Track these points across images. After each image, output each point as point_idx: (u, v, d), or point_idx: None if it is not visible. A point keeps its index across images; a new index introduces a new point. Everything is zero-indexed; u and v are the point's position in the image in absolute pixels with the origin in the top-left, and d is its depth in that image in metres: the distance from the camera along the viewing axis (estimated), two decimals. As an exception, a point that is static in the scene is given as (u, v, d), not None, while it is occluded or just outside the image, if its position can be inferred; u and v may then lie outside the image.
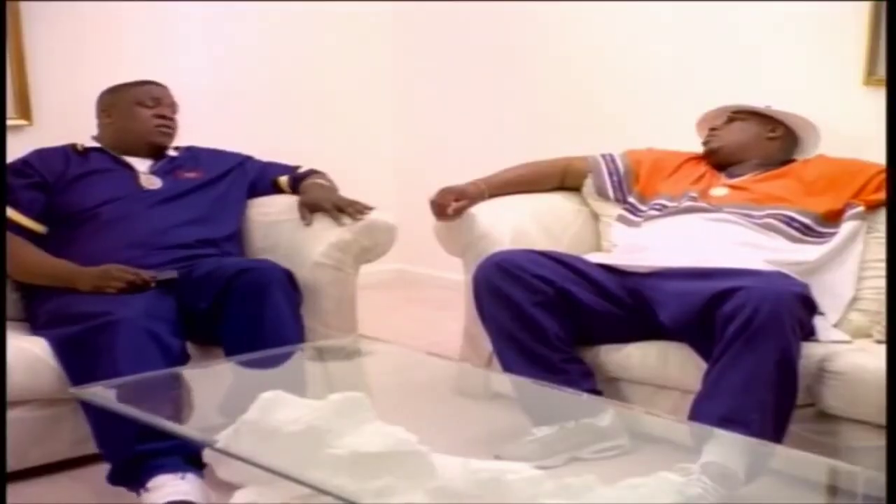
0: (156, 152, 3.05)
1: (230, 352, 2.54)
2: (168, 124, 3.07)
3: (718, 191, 2.94)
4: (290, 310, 2.64)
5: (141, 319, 2.42)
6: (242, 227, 3.11)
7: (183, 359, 2.53)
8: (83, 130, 3.06)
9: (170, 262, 2.75)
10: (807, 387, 2.42)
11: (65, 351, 2.48)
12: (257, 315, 2.56)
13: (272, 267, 2.70)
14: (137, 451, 2.27)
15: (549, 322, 2.68)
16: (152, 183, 2.97)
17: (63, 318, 2.54)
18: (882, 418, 2.14)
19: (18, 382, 2.44)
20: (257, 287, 2.59)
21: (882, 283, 2.67)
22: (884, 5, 3.06)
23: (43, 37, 3.61)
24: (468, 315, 3.06)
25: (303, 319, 2.71)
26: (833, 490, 1.98)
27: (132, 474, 2.30)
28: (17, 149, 2.95)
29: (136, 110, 3.04)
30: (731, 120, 3.07)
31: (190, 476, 2.28)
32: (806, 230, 2.78)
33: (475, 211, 3.04)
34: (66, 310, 2.56)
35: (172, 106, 3.11)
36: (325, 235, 2.93)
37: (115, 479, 2.35)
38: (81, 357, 2.43)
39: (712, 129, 3.10)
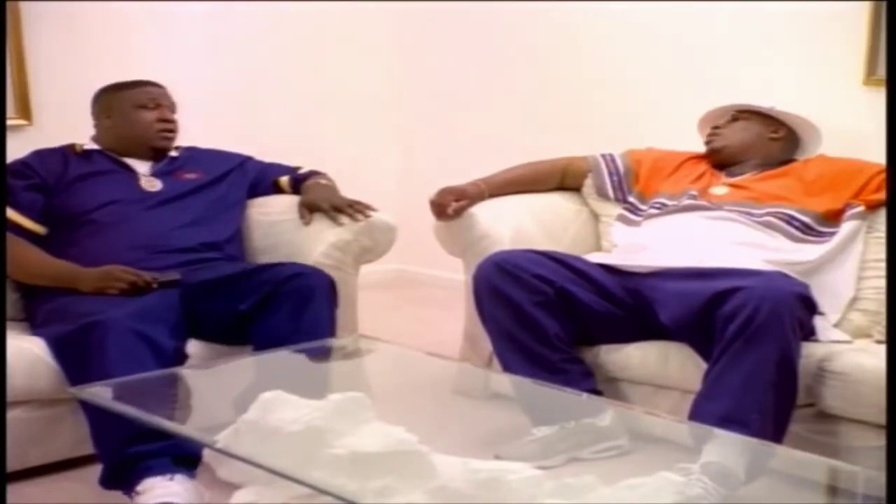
0: (157, 154, 3.04)
1: (262, 351, 2.54)
2: (171, 127, 3.04)
3: (718, 189, 2.94)
4: (329, 317, 2.65)
5: (129, 320, 2.41)
6: (242, 228, 3.10)
7: (178, 359, 2.52)
8: (83, 130, 3.05)
9: (173, 266, 2.74)
10: (807, 387, 2.42)
11: (60, 350, 2.48)
12: (299, 318, 2.57)
13: (319, 273, 2.71)
14: (127, 453, 2.27)
15: (549, 322, 2.68)
16: (153, 185, 2.97)
17: (59, 317, 2.53)
18: (882, 418, 2.14)
19: (18, 382, 2.44)
20: (307, 292, 2.61)
21: (882, 283, 2.68)
22: (884, 5, 3.06)
23: (43, 37, 3.61)
24: (468, 315, 3.06)
25: (336, 325, 2.70)
26: (833, 490, 1.98)
27: (123, 477, 2.30)
28: (17, 149, 2.95)
29: (137, 113, 3.00)
30: (734, 119, 3.07)
31: (179, 477, 2.27)
32: (806, 229, 2.78)
33: (475, 211, 3.04)
34: (63, 309, 2.55)
35: (172, 106, 3.08)
36: (324, 235, 2.93)
37: (106, 482, 2.34)
38: (75, 356, 2.43)
39: (715, 128, 3.10)
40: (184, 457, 2.30)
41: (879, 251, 2.72)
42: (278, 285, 2.62)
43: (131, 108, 3.01)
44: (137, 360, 2.34)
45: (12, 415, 2.44)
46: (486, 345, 2.86)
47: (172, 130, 3.05)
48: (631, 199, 3.11)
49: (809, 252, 2.74)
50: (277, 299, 2.60)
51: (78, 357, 2.40)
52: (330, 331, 2.63)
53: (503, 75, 4.33)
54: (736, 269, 2.56)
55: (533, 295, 2.68)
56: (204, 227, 2.92)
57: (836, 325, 2.66)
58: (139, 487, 2.26)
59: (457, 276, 3.22)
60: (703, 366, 2.48)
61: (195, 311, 2.65)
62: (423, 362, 2.56)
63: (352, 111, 4.63)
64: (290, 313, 2.58)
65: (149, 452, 2.27)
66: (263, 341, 2.55)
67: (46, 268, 2.72)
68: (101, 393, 2.18)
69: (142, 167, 3.00)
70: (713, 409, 2.36)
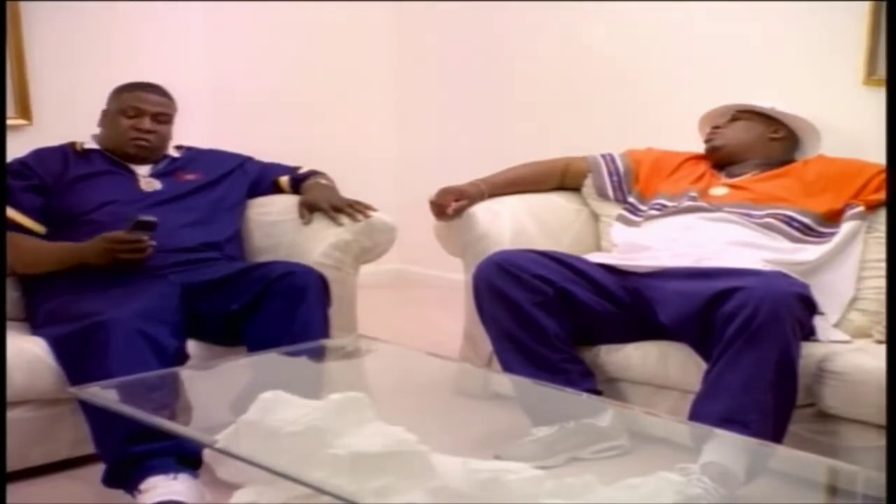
0: (144, 159, 3.01)
1: (255, 351, 2.54)
2: (144, 137, 2.95)
3: (718, 190, 2.94)
4: (321, 314, 2.65)
5: (133, 320, 2.41)
6: (242, 228, 3.10)
7: (179, 360, 2.52)
8: (83, 130, 3.05)
9: (173, 266, 2.74)
10: (807, 387, 2.42)
11: (61, 350, 2.48)
12: (290, 317, 2.57)
13: (310, 271, 2.70)
14: (130, 452, 2.27)
15: (549, 322, 2.68)
16: (152, 185, 2.96)
17: (61, 317, 2.53)
18: (882, 418, 2.14)
19: (18, 382, 2.44)
20: (297, 290, 2.61)
21: (882, 283, 2.68)
22: (884, 5, 3.06)
23: (43, 37, 3.61)
24: (468, 315, 3.06)
25: (329, 324, 2.70)
26: (833, 490, 1.98)
27: (126, 476, 2.31)
28: (17, 149, 2.95)
29: (117, 119, 2.96)
30: (734, 119, 3.07)
31: (183, 476, 2.28)
32: (806, 230, 2.78)
33: (475, 211, 3.04)
34: (64, 309, 2.55)
35: (159, 116, 2.98)
36: (324, 235, 2.93)
37: (109, 480, 2.35)
38: (76, 356, 2.43)
39: (715, 128, 3.10)
40: (187, 456, 2.30)
41: (879, 251, 2.72)
42: (269, 284, 2.62)
43: (115, 113, 2.98)
44: (141, 361, 2.35)
45: (12, 415, 2.44)
46: (486, 345, 2.86)
47: (147, 141, 2.96)
48: (631, 199, 3.11)
49: (809, 252, 2.74)
50: (268, 298, 2.60)
51: (81, 357, 2.41)
52: (323, 329, 2.63)
53: (503, 75, 4.33)
54: (736, 269, 2.56)
55: (533, 295, 2.68)
56: (204, 228, 2.92)
57: (836, 325, 2.66)
58: (142, 486, 2.27)
59: (457, 276, 3.22)
60: (703, 366, 2.48)
61: (193, 311, 2.65)
62: (423, 362, 2.56)
63: (351, 111, 4.64)
64: (282, 312, 2.57)
65: (153, 451, 2.27)
66: (256, 341, 2.55)
67: (49, 253, 2.73)
68: (101, 393, 2.18)
69: (141, 168, 2.99)
70: (713, 409, 2.36)
